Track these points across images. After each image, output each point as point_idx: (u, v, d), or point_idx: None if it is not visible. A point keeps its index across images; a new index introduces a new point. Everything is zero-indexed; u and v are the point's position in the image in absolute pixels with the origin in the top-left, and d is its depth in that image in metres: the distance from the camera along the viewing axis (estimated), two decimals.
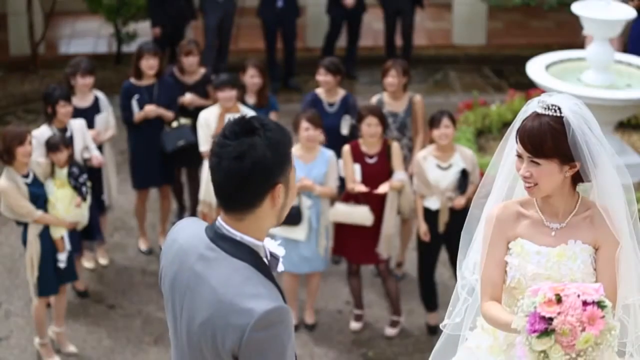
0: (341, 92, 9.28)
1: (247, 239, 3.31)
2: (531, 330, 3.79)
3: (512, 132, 4.25)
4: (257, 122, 3.29)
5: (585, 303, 3.77)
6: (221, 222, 3.35)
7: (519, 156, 4.14)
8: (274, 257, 3.40)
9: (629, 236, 4.19)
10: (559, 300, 3.79)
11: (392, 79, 8.97)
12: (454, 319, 4.59)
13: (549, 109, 4.07)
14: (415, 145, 9.03)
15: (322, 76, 9.11)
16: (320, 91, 9.24)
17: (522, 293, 4.17)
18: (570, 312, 3.75)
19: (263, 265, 3.33)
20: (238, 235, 3.31)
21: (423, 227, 8.21)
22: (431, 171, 8.15)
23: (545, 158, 4.06)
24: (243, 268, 3.27)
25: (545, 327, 3.77)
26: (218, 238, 3.33)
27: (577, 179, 4.17)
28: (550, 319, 3.76)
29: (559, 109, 4.07)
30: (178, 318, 3.40)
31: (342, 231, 8.37)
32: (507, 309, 4.27)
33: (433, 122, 8.15)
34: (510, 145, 4.29)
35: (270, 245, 3.42)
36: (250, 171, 3.23)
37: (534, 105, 4.14)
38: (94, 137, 8.92)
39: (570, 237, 4.18)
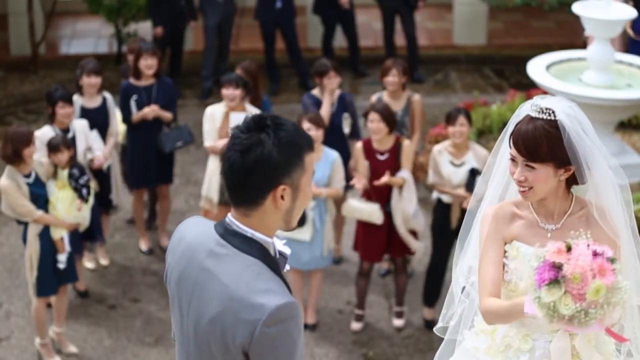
0: (337, 91, 9.29)
1: (258, 235, 3.31)
2: (540, 280, 3.72)
3: (506, 135, 4.21)
4: (271, 120, 3.28)
5: (595, 254, 3.72)
6: (231, 219, 3.34)
7: (513, 160, 4.11)
8: (282, 256, 3.40)
9: (628, 237, 4.16)
10: (569, 249, 3.73)
11: (392, 78, 8.98)
12: (447, 322, 4.58)
13: (542, 112, 4.03)
14: (439, 143, 9.03)
15: (333, 78, 9.11)
16: (317, 92, 9.24)
17: (520, 295, 4.16)
18: (581, 259, 3.70)
19: (273, 262, 3.33)
20: (249, 231, 3.31)
21: (449, 189, 8.23)
22: (444, 166, 8.19)
23: (540, 162, 4.02)
24: (254, 264, 3.27)
25: (555, 275, 3.71)
26: (228, 234, 3.33)
27: (572, 181, 4.14)
28: (560, 266, 3.71)
29: (553, 112, 4.02)
30: (185, 315, 3.40)
31: (361, 230, 8.42)
32: (506, 324, 4.28)
33: (449, 119, 8.20)
34: (504, 148, 4.25)
35: (278, 244, 3.42)
36: (252, 166, 3.23)
37: (527, 109, 4.10)
38: (107, 155, 8.93)
39: (566, 238, 4.15)
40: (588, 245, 3.74)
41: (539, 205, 4.19)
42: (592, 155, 4.05)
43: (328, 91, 9.11)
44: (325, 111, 9.00)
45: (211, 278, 3.29)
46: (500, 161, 4.31)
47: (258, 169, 3.23)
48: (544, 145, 4.00)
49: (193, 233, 3.44)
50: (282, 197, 3.28)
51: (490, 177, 4.40)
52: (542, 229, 4.19)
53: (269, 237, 3.33)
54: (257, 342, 3.17)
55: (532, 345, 4.24)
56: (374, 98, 9.17)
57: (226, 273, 3.27)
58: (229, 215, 3.36)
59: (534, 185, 4.07)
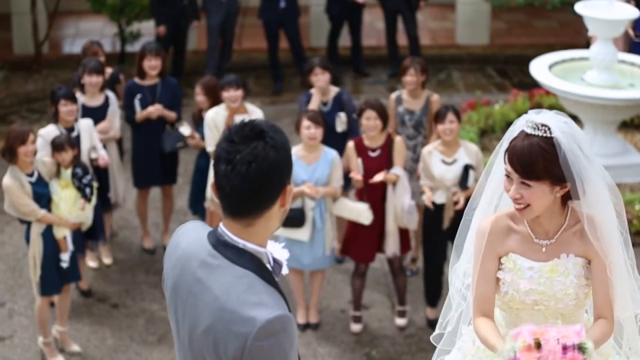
0: (334, 90, 9.28)
1: (250, 246, 3.30)
2: None
3: (500, 149, 4.19)
4: (264, 125, 3.28)
5: (565, 348, 3.70)
6: (223, 229, 3.33)
7: (508, 176, 4.07)
8: (277, 263, 3.38)
9: (621, 251, 4.15)
10: (538, 345, 3.72)
11: (410, 77, 8.95)
12: (446, 328, 4.59)
13: (538, 129, 3.99)
14: (429, 144, 9.03)
15: (319, 75, 9.11)
16: (314, 91, 9.24)
17: (516, 306, 4.19)
18: (550, 358, 3.69)
19: (266, 273, 3.31)
20: (240, 242, 3.29)
21: (429, 193, 8.22)
22: (436, 166, 8.18)
23: (536, 180, 3.99)
24: (245, 276, 3.25)
25: None
26: (220, 245, 3.31)
27: (567, 196, 4.12)
28: None
29: (549, 129, 3.99)
30: (180, 323, 3.40)
31: (353, 232, 8.42)
32: (501, 320, 4.31)
33: (438, 117, 8.21)
34: (498, 162, 4.24)
35: (274, 250, 3.40)
36: (267, 174, 3.22)
37: (522, 124, 4.06)
38: (104, 129, 8.96)
39: (562, 251, 4.16)
40: (558, 340, 3.71)
41: (533, 222, 4.17)
42: (587, 172, 4.02)
43: (317, 88, 9.13)
44: (313, 106, 8.97)
45: (203, 289, 3.29)
46: (494, 175, 4.30)
47: (271, 177, 3.23)
48: (539, 163, 3.97)
49: (187, 240, 3.42)
50: (288, 196, 3.31)
51: (484, 185, 4.39)
52: (537, 245, 4.19)
53: (261, 247, 3.32)
54: (249, 355, 3.16)
55: None
56: (393, 96, 9.16)
57: (218, 284, 3.26)
58: (221, 225, 3.34)
59: (531, 203, 4.04)
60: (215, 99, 9.11)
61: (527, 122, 4.04)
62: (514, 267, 4.19)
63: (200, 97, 9.24)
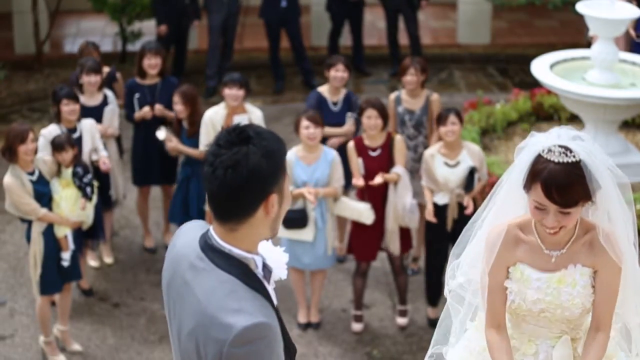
0: (343, 91, 9.29)
1: (236, 251, 3.28)
2: None
3: (513, 174, 4.17)
4: (252, 130, 3.25)
5: None
6: (212, 233, 3.31)
7: (540, 208, 4.03)
8: (267, 269, 3.35)
9: (632, 256, 4.16)
10: None
11: (410, 77, 8.94)
12: (447, 336, 4.60)
13: (566, 155, 3.97)
14: (430, 144, 9.02)
15: (341, 72, 9.11)
16: (324, 90, 9.24)
17: (523, 313, 4.22)
18: None
19: (252, 279, 3.28)
20: (227, 247, 3.27)
21: (430, 206, 8.23)
22: (439, 169, 8.17)
23: (575, 206, 4.00)
24: (228, 281, 3.23)
25: None
26: (208, 248, 3.30)
27: None
28: None
29: (575, 153, 3.97)
30: (172, 323, 3.41)
31: (356, 231, 8.41)
32: (507, 322, 4.32)
33: (440, 119, 8.19)
34: (508, 179, 4.23)
35: (271, 254, 3.39)
36: (245, 181, 3.18)
37: (537, 149, 4.03)
38: (102, 131, 8.96)
39: (570, 262, 4.17)
40: None
41: (544, 233, 4.16)
42: (602, 177, 4.03)
43: (330, 84, 9.14)
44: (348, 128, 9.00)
45: (189, 291, 3.29)
46: (500, 189, 4.31)
47: (250, 184, 3.19)
48: (578, 191, 3.97)
49: (183, 241, 3.42)
50: (272, 205, 3.26)
51: (492, 199, 4.38)
52: (547, 255, 4.19)
53: (249, 252, 3.29)
54: None
55: (536, 349, 4.30)
56: (392, 97, 9.15)
57: (201, 288, 3.25)
58: (211, 228, 3.33)
59: (567, 225, 4.05)
60: (193, 108, 9.06)
61: (550, 150, 4.00)
62: (522, 277, 4.20)
63: (178, 106, 9.09)
